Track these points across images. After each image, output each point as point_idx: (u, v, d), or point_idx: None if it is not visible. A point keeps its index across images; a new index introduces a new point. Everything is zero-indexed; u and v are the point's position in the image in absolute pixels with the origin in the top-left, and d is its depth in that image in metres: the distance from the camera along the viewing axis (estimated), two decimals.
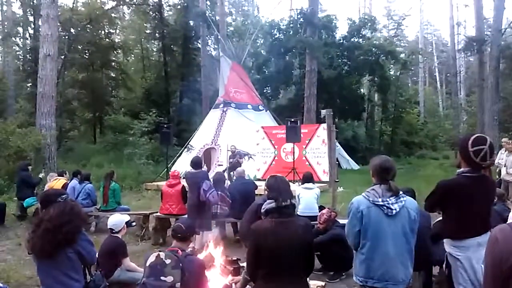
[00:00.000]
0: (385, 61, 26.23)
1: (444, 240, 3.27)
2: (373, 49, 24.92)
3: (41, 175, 9.68)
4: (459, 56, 31.56)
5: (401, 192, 2.79)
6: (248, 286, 3.52)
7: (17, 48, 28.28)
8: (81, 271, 2.82)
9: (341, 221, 5.52)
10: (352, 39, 25.65)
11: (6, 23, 27.29)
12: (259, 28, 25.98)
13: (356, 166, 19.83)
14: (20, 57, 28.34)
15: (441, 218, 4.55)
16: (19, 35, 27.18)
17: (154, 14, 27.39)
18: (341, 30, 27.38)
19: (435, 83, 47.29)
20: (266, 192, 2.83)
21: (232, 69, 18.21)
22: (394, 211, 2.69)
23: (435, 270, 4.55)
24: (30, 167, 9.71)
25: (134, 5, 27.44)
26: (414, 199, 4.14)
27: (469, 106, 31.41)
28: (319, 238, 5.17)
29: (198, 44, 26.93)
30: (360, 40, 25.80)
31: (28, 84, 24.22)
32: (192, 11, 23.89)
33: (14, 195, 9.73)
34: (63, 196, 2.94)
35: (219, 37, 21.73)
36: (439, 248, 4.37)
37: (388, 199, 2.71)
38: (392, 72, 29.80)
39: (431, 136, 33.04)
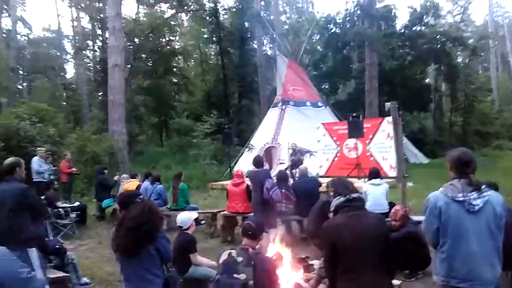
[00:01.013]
0: (451, 48, 24.71)
1: None
2: (438, 36, 23.62)
3: (115, 178, 10.35)
4: None
5: (483, 186, 2.60)
6: (321, 284, 3.49)
7: (88, 60, 30.51)
8: (160, 267, 2.96)
9: (414, 218, 5.29)
10: (414, 28, 24.48)
11: (77, 37, 29.61)
12: (314, 24, 25.63)
13: (425, 160, 18.90)
14: (91, 68, 30.55)
15: None
16: (89, 48, 29.29)
17: (210, 19, 28.12)
18: (402, 19, 26.27)
19: (509, 69, 43.48)
20: (331, 193, 2.80)
21: (288, 67, 18.15)
22: (476, 207, 2.53)
23: None
24: (106, 171, 10.43)
25: (191, 12, 28.36)
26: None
27: None
28: (392, 236, 4.99)
29: (254, 44, 27.21)
30: (423, 28, 24.55)
31: (100, 93, 26.02)
32: (247, 12, 24.21)
33: (93, 197, 10.49)
34: (140, 196, 3.11)
35: (274, 36, 21.77)
36: None
37: (469, 194, 2.54)
38: (460, 60, 27.93)
39: (507, 125, 30.41)
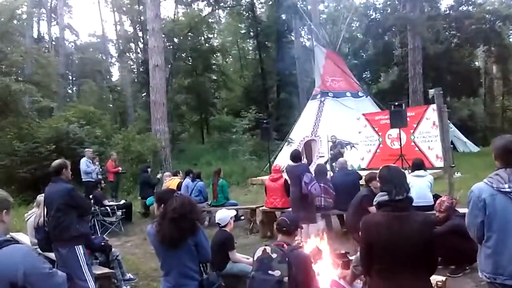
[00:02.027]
0: (502, 27, 23.17)
1: None
2: (487, 15, 22.24)
3: (159, 176, 10.66)
4: None
5: None
6: (357, 280, 3.40)
7: (131, 62, 31.61)
8: (198, 265, 3.00)
9: (461, 210, 5.01)
10: (461, 8, 23.17)
11: (120, 41, 30.73)
12: (353, 11, 24.91)
13: (475, 148, 17.95)
14: (134, 70, 31.64)
15: None
16: (131, 50, 30.32)
17: (247, 14, 28.20)
18: (447, 0, 24.93)
19: None
20: (377, 184, 2.64)
21: (327, 57, 17.78)
22: None
23: None
24: (149, 169, 10.78)
25: (228, 8, 28.56)
26: None
27: None
28: (437, 230, 4.76)
29: (292, 36, 26.98)
30: (470, 8, 23.23)
31: (143, 94, 26.90)
32: (283, 4, 23.96)
33: (138, 195, 10.88)
34: (179, 192, 3.18)
35: (312, 26, 21.41)
36: None
37: None
38: None
39: None
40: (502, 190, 2.40)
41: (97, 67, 31.54)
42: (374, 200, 2.51)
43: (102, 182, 9.56)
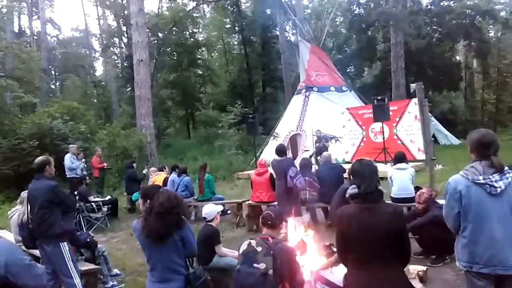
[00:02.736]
0: (482, 22, 23.63)
1: None
2: (467, 10, 22.58)
3: (144, 171, 10.62)
4: None
5: (506, 168, 2.50)
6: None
7: (115, 57, 31.18)
8: (184, 260, 3.04)
9: (441, 202, 5.15)
10: (442, 3, 23.52)
11: (104, 35, 30.28)
12: (337, 6, 25.10)
13: (456, 141, 18.32)
14: (119, 65, 31.23)
15: None
16: (115, 45, 29.90)
17: (232, 8, 28.06)
18: None
19: None
20: (351, 177, 2.71)
21: (311, 52, 17.90)
22: (498, 189, 2.44)
23: None
24: (135, 164, 10.72)
25: (213, 2, 28.38)
26: None
27: None
28: (417, 221, 4.90)
29: (276, 31, 26.99)
30: (451, 3, 23.59)
31: (128, 89, 26.60)
32: None
33: (124, 190, 10.82)
34: (165, 188, 3.20)
35: (296, 21, 21.46)
36: None
37: (490, 177, 2.46)
38: (491, 34, 26.68)
39: None
40: (477, 182, 2.48)
41: (80, 62, 31.00)
42: (347, 193, 2.59)
43: (87, 178, 9.48)
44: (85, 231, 7.13)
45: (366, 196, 2.42)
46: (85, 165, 10.88)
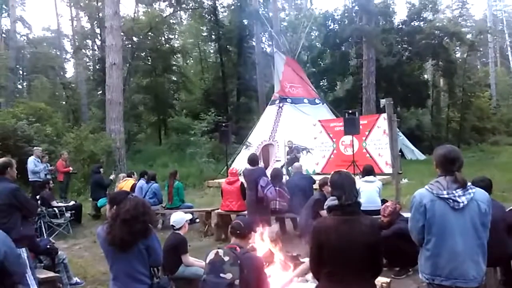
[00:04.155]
0: (449, 43, 24.68)
1: None
2: (436, 31, 23.53)
3: (111, 177, 10.35)
4: None
5: (469, 184, 2.58)
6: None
7: (87, 60, 30.48)
8: (149, 269, 2.96)
9: (405, 215, 5.28)
10: (412, 23, 24.45)
11: (76, 37, 29.57)
12: (312, 21, 25.58)
13: (421, 156, 18.88)
14: (90, 67, 30.52)
15: None
16: (88, 47, 29.25)
17: (209, 17, 28.09)
18: (400, 15, 26.27)
19: (508, 63, 43.32)
20: (329, 189, 2.71)
21: (286, 64, 18.11)
22: (461, 204, 2.51)
23: None
24: (102, 170, 10.44)
25: (190, 10, 28.31)
26: (491, 188, 3.87)
27: None
28: (382, 233, 4.98)
29: (253, 42, 27.19)
30: (421, 23, 24.51)
31: (99, 92, 26.01)
32: (245, 10, 24.17)
33: (89, 196, 10.50)
34: (133, 194, 3.12)
35: (272, 33, 21.73)
36: None
37: (454, 192, 2.52)
38: (458, 55, 27.91)
39: (505, 121, 30.47)
40: (441, 196, 2.53)
41: (50, 63, 30.04)
42: (325, 204, 2.60)
43: (51, 182, 9.13)
44: (45, 237, 6.85)
45: (345, 208, 2.44)
46: (49, 169, 10.51)
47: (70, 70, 36.42)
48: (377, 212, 5.74)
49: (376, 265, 2.46)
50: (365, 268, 2.39)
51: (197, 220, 8.10)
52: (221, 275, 3.01)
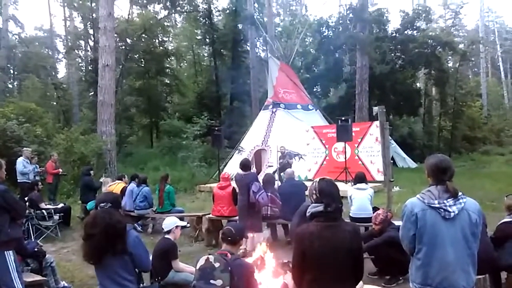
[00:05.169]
0: (442, 53, 24.92)
1: None
2: (429, 41, 23.74)
3: (101, 179, 10.24)
4: None
5: (460, 193, 2.59)
6: None
7: (80, 60, 30.27)
8: (134, 274, 2.92)
9: (397, 223, 5.30)
10: (406, 32, 24.62)
11: (69, 37, 29.37)
12: (307, 27, 25.73)
13: (413, 164, 19.02)
14: (83, 68, 30.31)
15: (506, 220, 4.24)
16: (81, 48, 29.05)
17: (204, 20, 28.09)
18: (394, 23, 26.50)
19: (499, 74, 44.01)
20: (314, 196, 2.70)
21: (280, 69, 18.16)
22: (452, 214, 2.51)
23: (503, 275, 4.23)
24: (92, 172, 10.32)
25: (185, 13, 28.28)
26: None
27: None
28: (373, 241, 4.99)
29: (247, 46, 27.25)
30: (414, 32, 24.69)
31: (90, 94, 25.79)
32: (240, 14, 24.24)
33: (78, 198, 10.37)
34: (102, 204, 3.03)
35: (267, 38, 21.82)
36: (505, 252, 4.06)
37: (445, 201, 2.53)
38: (450, 64, 28.24)
39: (496, 130, 30.88)
40: (432, 205, 2.53)
41: (42, 62, 29.76)
42: (308, 211, 2.58)
43: (40, 183, 9.01)
44: (33, 239, 6.73)
45: (328, 215, 2.44)
46: (38, 171, 10.39)
47: (62, 70, 36.20)
48: (368, 219, 5.75)
49: (358, 271, 2.47)
50: (348, 273, 2.40)
51: (188, 225, 8.04)
52: (212, 281, 2.99)
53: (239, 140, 17.72)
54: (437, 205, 2.53)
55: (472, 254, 2.56)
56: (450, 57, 27.64)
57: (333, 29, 26.24)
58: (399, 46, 24.60)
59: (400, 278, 4.87)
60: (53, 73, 31.97)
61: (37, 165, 10.46)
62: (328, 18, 27.30)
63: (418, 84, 28.35)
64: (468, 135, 27.43)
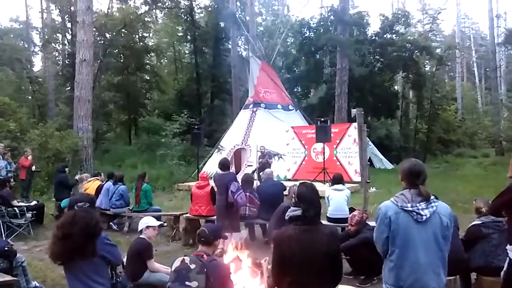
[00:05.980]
0: (419, 57, 25.46)
1: (508, 247, 3.25)
2: (407, 45, 24.19)
3: (77, 177, 10.03)
4: (499, 50, 30.31)
5: (432, 197, 2.66)
6: None
7: (56, 54, 29.50)
8: (106, 274, 2.88)
9: (372, 224, 5.38)
10: (385, 36, 25.01)
11: (46, 30, 28.58)
12: (289, 27, 25.87)
13: (390, 165, 19.36)
14: (59, 62, 29.55)
15: (475, 222, 4.37)
16: (58, 41, 28.30)
17: (185, 17, 27.81)
18: (373, 27, 26.77)
19: (474, 79, 45.40)
20: (293, 200, 2.73)
21: (261, 69, 18.18)
22: (424, 217, 2.57)
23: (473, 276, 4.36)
24: (67, 169, 10.10)
25: (166, 9, 27.95)
26: None
27: (510, 102, 29.88)
28: (349, 242, 5.06)
29: (229, 45, 27.15)
30: (393, 36, 25.12)
31: (67, 88, 25.21)
32: (222, 12, 24.09)
33: (52, 196, 10.12)
34: (80, 204, 2.98)
35: (249, 37, 21.79)
36: (475, 253, 4.19)
37: (417, 205, 2.59)
38: (427, 68, 28.87)
39: (469, 134, 31.82)
40: (405, 208, 2.59)
41: (17, 55, 28.81)
42: (286, 214, 2.61)
43: (12, 180, 8.75)
44: (4, 238, 6.54)
45: (307, 218, 2.47)
46: (11, 165, 10.09)
47: (38, 64, 35.17)
48: (345, 220, 5.83)
49: (336, 274, 2.52)
50: (326, 276, 2.44)
51: (165, 224, 7.96)
52: (187, 283, 2.97)
53: (219, 138, 17.66)
54: (410, 208, 2.59)
55: (443, 256, 2.63)
56: (427, 61, 28.24)
57: (314, 30, 26.43)
58: (378, 49, 24.96)
59: (375, 278, 4.96)
60: (29, 66, 31.01)
61: (9, 161, 10.16)
62: (309, 19, 27.48)
63: (396, 87, 28.86)
64: (443, 138, 28.13)
